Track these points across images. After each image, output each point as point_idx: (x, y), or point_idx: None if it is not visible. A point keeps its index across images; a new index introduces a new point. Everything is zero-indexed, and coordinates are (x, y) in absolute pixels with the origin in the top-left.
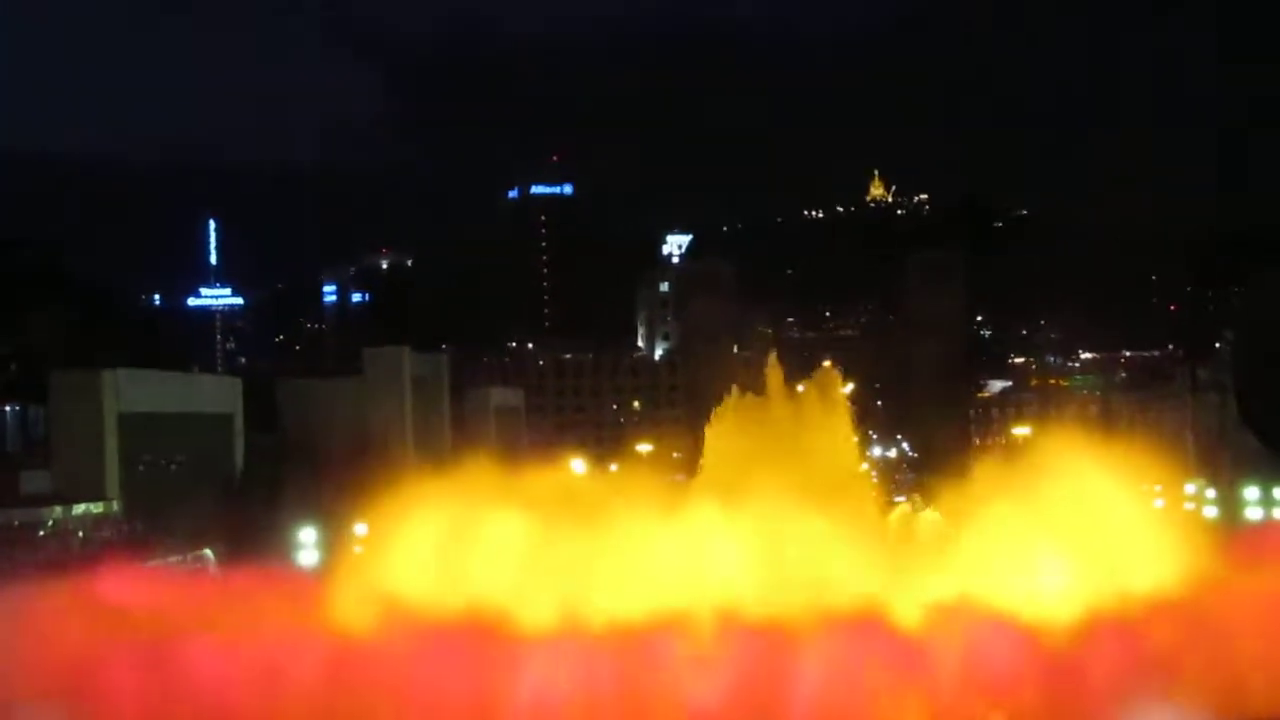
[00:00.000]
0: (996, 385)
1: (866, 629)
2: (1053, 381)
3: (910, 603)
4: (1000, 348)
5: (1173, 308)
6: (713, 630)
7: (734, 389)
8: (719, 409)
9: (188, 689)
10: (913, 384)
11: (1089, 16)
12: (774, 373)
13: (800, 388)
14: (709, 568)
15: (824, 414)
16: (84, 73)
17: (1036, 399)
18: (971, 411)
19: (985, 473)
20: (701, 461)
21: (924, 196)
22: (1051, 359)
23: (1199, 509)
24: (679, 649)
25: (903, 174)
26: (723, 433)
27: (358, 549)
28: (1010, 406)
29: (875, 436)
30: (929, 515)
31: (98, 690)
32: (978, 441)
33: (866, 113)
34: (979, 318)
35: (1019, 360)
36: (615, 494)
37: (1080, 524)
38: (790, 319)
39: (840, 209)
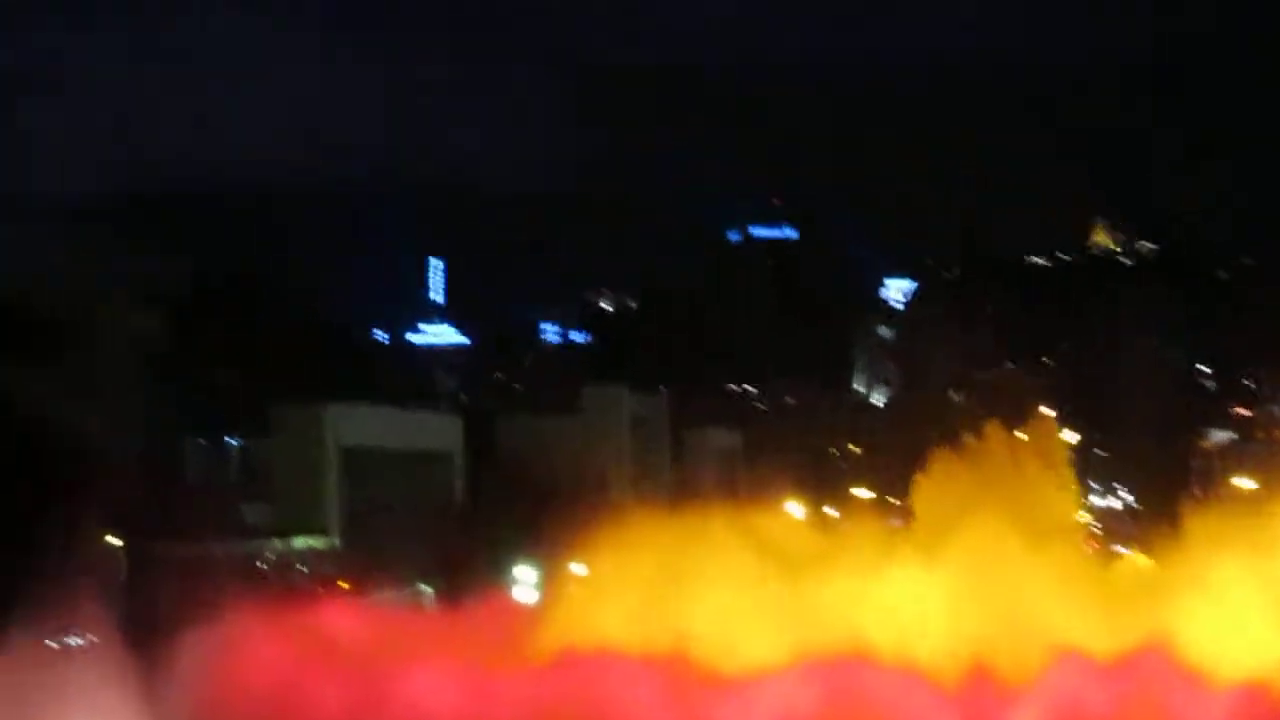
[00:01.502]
0: (1219, 436)
1: (1074, 672)
2: (1278, 433)
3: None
4: (1223, 398)
5: None
6: (930, 672)
7: (950, 436)
8: (935, 456)
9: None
10: (1133, 433)
11: None
12: (991, 422)
13: (1018, 434)
14: (923, 613)
15: (1040, 462)
16: (305, 107)
17: (1260, 451)
18: (1193, 462)
19: (1206, 526)
20: (917, 508)
21: (1148, 243)
22: (1276, 410)
23: None
24: (896, 691)
25: (1126, 219)
26: (939, 480)
27: (575, 588)
28: (1232, 458)
29: (1096, 486)
30: (1147, 565)
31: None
32: (1199, 493)
33: (1094, 155)
34: (1201, 367)
35: (1243, 411)
36: (833, 539)
37: None
38: (1010, 365)
39: (1062, 255)
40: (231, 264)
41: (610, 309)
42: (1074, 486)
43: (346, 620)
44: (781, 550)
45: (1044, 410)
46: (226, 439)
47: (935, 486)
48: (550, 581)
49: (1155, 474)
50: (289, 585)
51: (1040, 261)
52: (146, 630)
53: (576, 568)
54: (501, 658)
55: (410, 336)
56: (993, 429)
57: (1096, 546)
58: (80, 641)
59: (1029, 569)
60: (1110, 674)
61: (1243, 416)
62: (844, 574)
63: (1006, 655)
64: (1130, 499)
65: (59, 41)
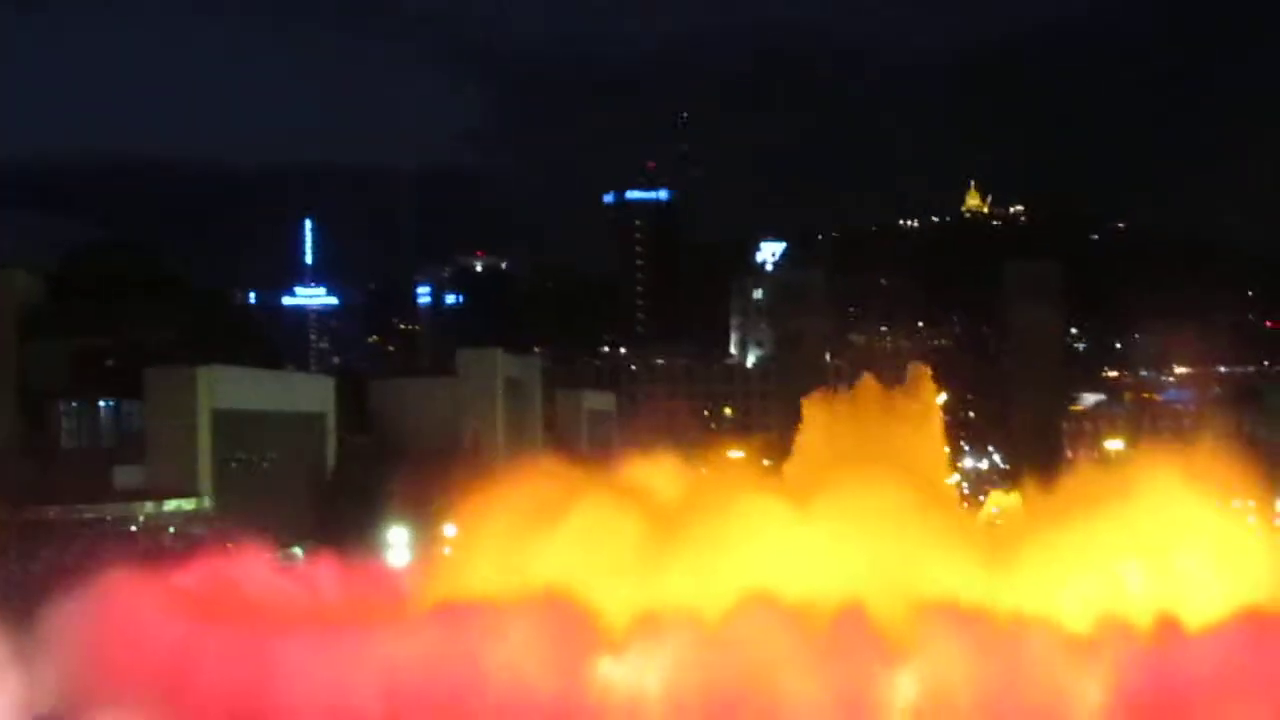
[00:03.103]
0: (1089, 398)
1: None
2: (1146, 396)
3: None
4: (1094, 361)
5: (1270, 324)
6: (796, 621)
7: (823, 394)
8: (808, 407)
9: (276, 683)
10: (1006, 396)
11: (1185, 30)
12: (866, 375)
13: (892, 393)
14: (792, 562)
15: (914, 417)
16: (187, 78)
17: (1129, 413)
18: (1064, 424)
19: (1075, 484)
20: (789, 466)
21: (1020, 208)
22: (1145, 373)
23: None
24: (766, 642)
25: (999, 185)
26: (812, 433)
27: (447, 549)
28: (1103, 420)
29: (967, 448)
30: (1015, 502)
31: (187, 685)
32: (1070, 454)
33: (965, 124)
34: (1073, 330)
35: (1112, 374)
36: (705, 494)
37: (1168, 536)
38: (883, 329)
39: (935, 219)
40: (107, 231)
41: (482, 269)
42: (946, 444)
43: (218, 583)
44: (653, 505)
45: (918, 369)
46: (100, 403)
47: (807, 441)
48: (424, 545)
49: (1026, 435)
50: (160, 549)
51: (912, 225)
52: (18, 595)
53: (449, 531)
54: (376, 617)
55: (284, 299)
56: (866, 386)
57: (962, 503)
58: None
59: (901, 522)
60: (991, 638)
61: (1112, 379)
62: (717, 526)
63: (880, 607)
64: (999, 460)
65: None
